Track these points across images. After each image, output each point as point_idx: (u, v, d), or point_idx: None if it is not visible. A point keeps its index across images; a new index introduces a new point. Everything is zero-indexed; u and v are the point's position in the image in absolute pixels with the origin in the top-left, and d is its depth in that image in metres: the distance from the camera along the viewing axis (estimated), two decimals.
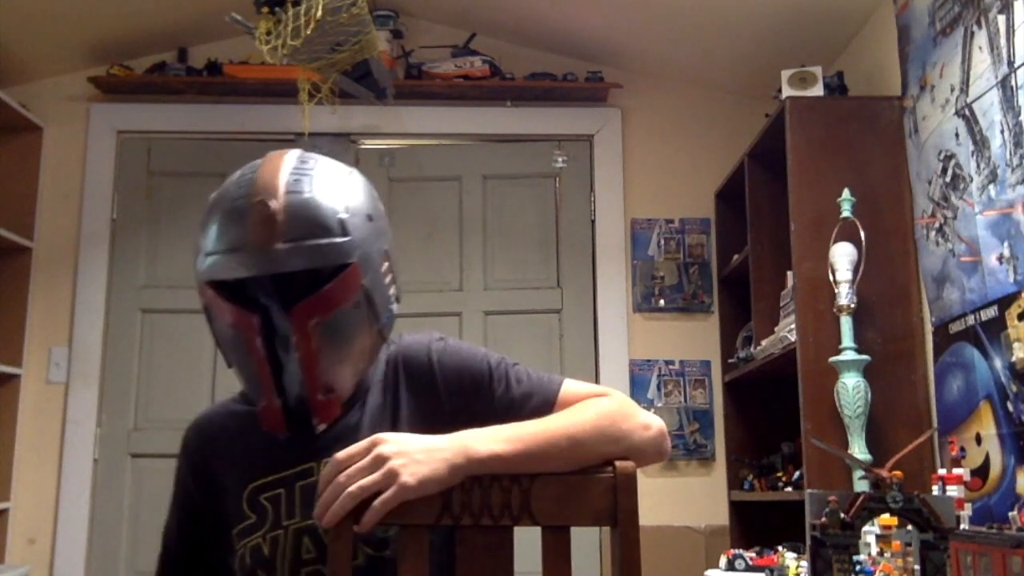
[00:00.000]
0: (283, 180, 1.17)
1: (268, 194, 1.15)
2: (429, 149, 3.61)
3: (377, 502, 1.02)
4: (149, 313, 3.43)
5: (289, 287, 1.18)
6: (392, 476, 1.02)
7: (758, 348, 2.94)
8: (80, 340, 3.37)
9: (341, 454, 1.05)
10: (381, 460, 1.03)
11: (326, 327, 1.17)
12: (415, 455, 1.05)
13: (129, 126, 3.54)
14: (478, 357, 1.28)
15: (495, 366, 1.26)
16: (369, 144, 3.60)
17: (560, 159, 3.57)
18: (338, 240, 1.17)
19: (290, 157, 1.21)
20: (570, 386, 1.26)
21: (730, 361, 3.27)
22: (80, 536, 3.24)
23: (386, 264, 1.25)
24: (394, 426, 1.25)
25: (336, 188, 1.20)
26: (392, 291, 1.28)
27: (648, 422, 1.20)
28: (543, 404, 1.23)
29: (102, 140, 3.51)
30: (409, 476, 1.03)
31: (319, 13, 2.28)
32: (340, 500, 1.02)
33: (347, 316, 1.19)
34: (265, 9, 2.35)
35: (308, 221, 1.15)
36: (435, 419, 1.23)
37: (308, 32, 2.28)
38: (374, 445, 1.05)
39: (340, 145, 3.55)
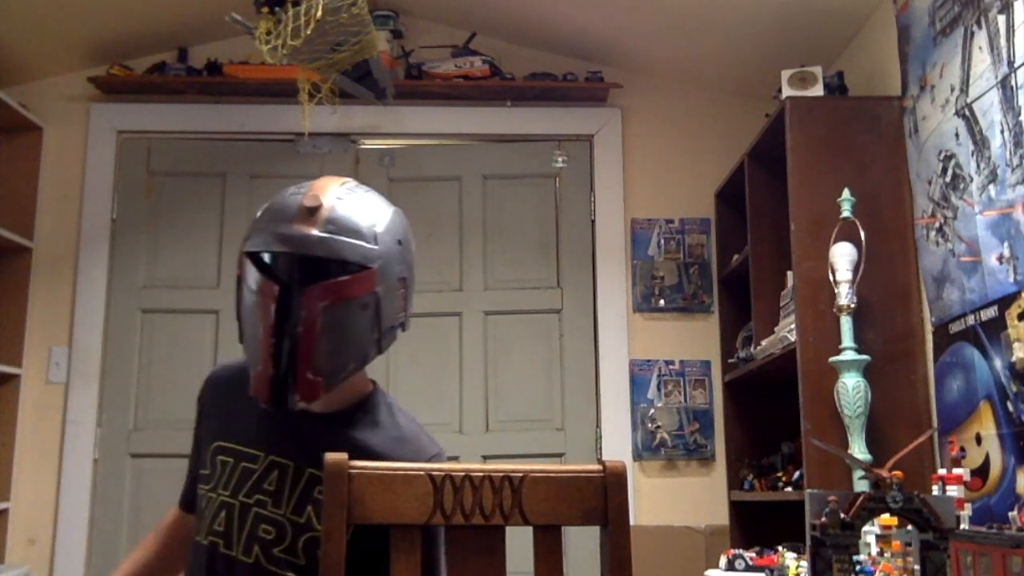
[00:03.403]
0: (335, 188, 1.39)
1: (318, 194, 1.36)
2: (429, 149, 3.61)
3: None
4: (149, 313, 3.43)
5: (313, 273, 1.33)
6: None
7: (758, 348, 2.93)
8: (80, 340, 3.37)
9: None
10: None
11: (332, 313, 1.31)
12: None
13: (129, 126, 3.54)
14: None
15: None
16: (369, 144, 3.60)
17: (560, 159, 3.57)
18: (367, 245, 1.35)
19: (346, 179, 1.44)
20: None
21: (730, 361, 3.27)
22: (80, 536, 3.25)
23: (401, 290, 1.41)
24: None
25: (378, 209, 1.41)
26: (401, 314, 1.43)
27: None
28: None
29: (102, 140, 3.51)
30: None
31: (319, 13, 2.27)
32: None
33: (353, 312, 1.33)
34: (265, 9, 2.35)
35: (346, 222, 1.35)
36: None
37: (308, 32, 2.28)
38: None
39: (340, 145, 3.56)
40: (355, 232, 1.34)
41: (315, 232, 1.32)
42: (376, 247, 1.35)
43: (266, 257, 1.38)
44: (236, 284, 1.40)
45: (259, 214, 1.39)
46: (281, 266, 1.36)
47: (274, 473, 1.36)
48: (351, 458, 1.36)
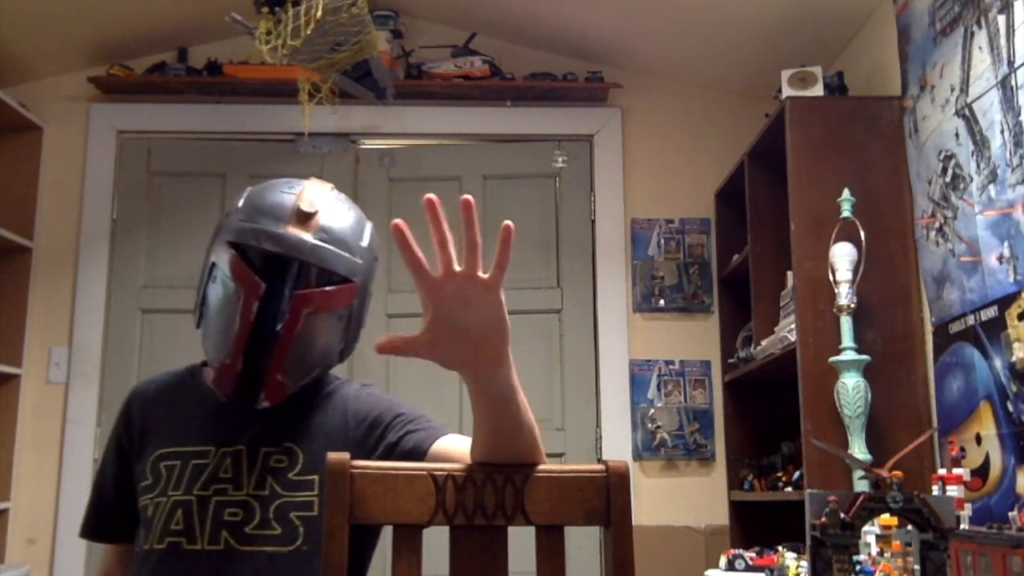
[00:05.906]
0: (326, 194, 1.41)
1: (313, 197, 1.38)
2: (429, 149, 3.61)
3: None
4: (149, 313, 3.43)
5: (297, 277, 1.35)
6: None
7: (758, 348, 2.93)
8: (80, 340, 3.37)
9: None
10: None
11: (312, 321, 1.35)
12: None
13: (129, 126, 3.54)
14: (389, 404, 1.43)
15: (398, 414, 1.40)
16: (369, 144, 3.60)
17: (560, 159, 3.57)
18: (353, 259, 1.39)
19: (331, 185, 1.45)
20: (454, 436, 1.34)
21: (730, 361, 3.27)
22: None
23: (367, 303, 1.46)
24: (303, 442, 1.38)
25: (360, 222, 1.44)
26: (361, 327, 1.47)
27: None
28: (426, 437, 1.34)
29: (102, 140, 3.51)
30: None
31: (319, 13, 2.27)
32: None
33: (330, 322, 1.38)
34: (265, 9, 2.34)
35: (337, 232, 1.38)
36: (343, 445, 1.35)
37: (308, 32, 2.28)
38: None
39: (340, 145, 3.55)
40: (344, 244, 1.37)
41: (309, 238, 1.34)
42: (360, 262, 1.40)
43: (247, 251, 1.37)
44: (208, 270, 1.39)
45: (242, 203, 1.39)
46: (266, 264, 1.35)
47: (227, 461, 1.35)
48: (299, 434, 1.38)
